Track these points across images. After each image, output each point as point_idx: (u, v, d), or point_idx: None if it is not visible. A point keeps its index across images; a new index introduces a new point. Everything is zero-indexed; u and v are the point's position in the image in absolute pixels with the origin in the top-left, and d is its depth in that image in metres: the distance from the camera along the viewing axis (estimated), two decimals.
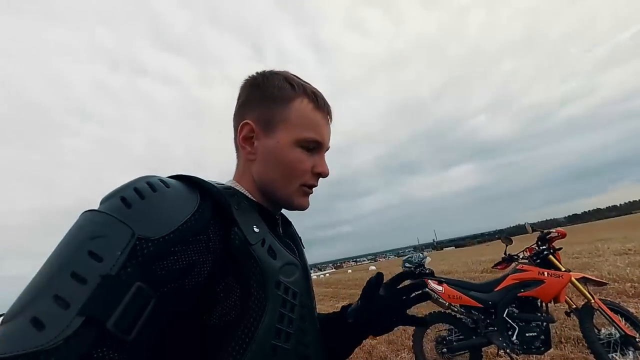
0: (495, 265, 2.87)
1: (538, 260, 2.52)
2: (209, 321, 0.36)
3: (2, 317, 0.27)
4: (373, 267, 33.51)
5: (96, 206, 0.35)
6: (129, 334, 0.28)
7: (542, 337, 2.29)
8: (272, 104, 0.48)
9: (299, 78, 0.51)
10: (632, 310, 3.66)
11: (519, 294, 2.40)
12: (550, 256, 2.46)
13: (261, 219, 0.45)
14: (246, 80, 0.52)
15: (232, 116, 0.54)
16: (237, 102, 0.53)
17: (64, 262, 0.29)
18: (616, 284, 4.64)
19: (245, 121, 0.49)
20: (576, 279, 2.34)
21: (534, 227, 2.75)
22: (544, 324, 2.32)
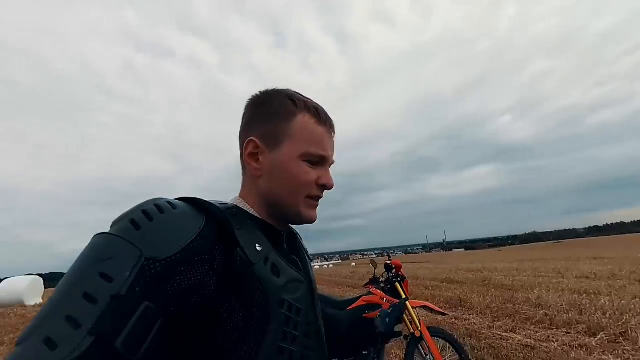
0: (365, 284, 3.09)
1: (389, 286, 2.71)
2: (213, 342, 0.36)
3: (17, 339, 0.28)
4: (353, 264, 33.85)
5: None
6: (135, 353, 0.29)
7: (374, 356, 2.51)
8: (275, 120, 0.49)
9: (300, 95, 0.53)
10: (521, 338, 3.75)
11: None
12: (397, 283, 2.65)
13: (264, 237, 0.46)
14: (250, 99, 0.53)
15: (238, 135, 0.54)
16: (242, 121, 0.54)
17: (76, 283, 0.30)
18: (533, 309, 4.68)
19: (250, 138, 0.50)
20: (413, 307, 2.53)
21: (391, 256, 2.95)
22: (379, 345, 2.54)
